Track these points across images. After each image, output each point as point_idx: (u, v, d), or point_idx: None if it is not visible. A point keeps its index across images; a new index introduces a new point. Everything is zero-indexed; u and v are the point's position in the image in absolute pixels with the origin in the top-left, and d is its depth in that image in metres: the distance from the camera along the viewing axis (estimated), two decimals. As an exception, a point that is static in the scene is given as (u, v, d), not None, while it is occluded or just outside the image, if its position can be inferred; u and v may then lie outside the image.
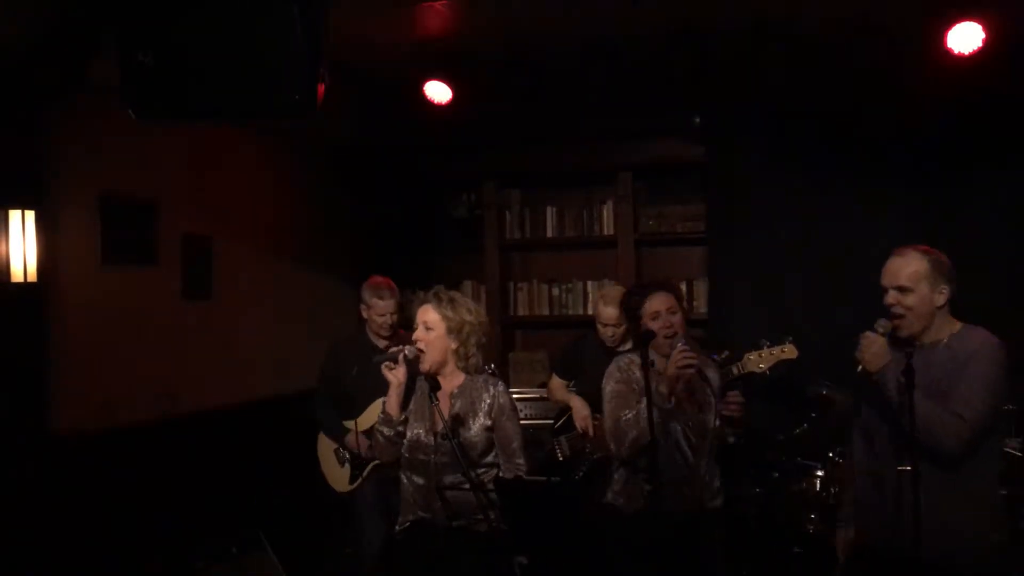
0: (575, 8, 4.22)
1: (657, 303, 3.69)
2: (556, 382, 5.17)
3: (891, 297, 3.13)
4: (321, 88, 2.94)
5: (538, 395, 5.80)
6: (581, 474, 4.76)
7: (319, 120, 3.13)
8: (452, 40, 4.68)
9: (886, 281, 3.16)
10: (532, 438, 5.77)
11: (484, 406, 3.50)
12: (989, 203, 5.37)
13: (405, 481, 3.55)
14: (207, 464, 5.02)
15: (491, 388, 3.55)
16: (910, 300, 3.10)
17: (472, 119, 5.88)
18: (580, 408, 4.84)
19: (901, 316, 3.11)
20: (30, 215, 4.06)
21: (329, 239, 6.63)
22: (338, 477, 4.98)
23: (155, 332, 4.91)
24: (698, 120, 5.87)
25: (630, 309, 3.79)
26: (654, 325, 3.64)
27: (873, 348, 3.09)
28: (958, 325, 3.16)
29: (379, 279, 4.94)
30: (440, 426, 3.38)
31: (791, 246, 5.72)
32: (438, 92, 4.97)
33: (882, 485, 3.14)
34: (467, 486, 3.20)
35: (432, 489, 3.40)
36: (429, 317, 3.50)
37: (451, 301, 3.54)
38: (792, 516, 4.79)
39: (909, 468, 2.96)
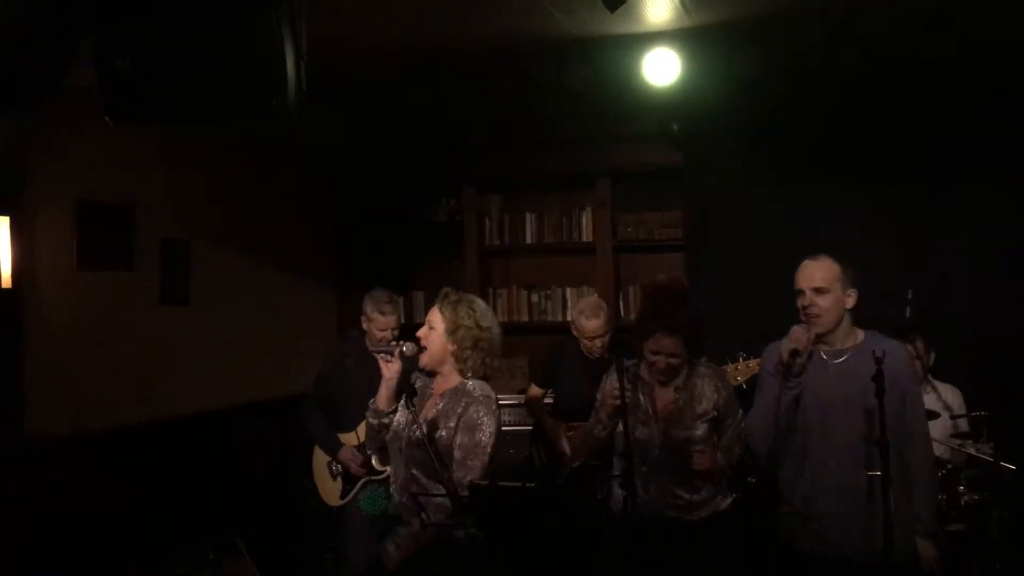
0: (554, 14, 4.24)
1: (660, 344, 3.58)
2: (534, 392, 5.17)
3: (806, 298, 3.34)
4: (299, 92, 2.94)
5: (517, 401, 5.80)
6: (561, 481, 4.76)
7: (298, 123, 3.13)
8: (433, 44, 4.69)
9: (804, 284, 3.36)
10: (511, 444, 5.82)
11: (456, 415, 3.43)
12: (963, 206, 5.42)
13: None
14: (183, 469, 4.99)
15: (469, 399, 3.46)
16: (826, 301, 3.32)
17: (452, 123, 5.91)
18: (553, 428, 4.87)
19: (817, 316, 3.32)
20: (4, 220, 4.04)
21: (309, 244, 6.62)
22: (329, 490, 4.88)
23: (132, 337, 4.89)
24: (676, 127, 5.90)
25: (637, 340, 3.70)
26: (652, 359, 3.60)
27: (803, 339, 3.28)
28: (861, 332, 3.40)
29: (382, 292, 4.79)
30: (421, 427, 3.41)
31: (769, 252, 5.74)
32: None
33: (847, 493, 3.22)
34: (442, 492, 3.20)
35: (402, 480, 3.44)
36: (433, 316, 3.54)
37: (454, 303, 3.53)
38: (767, 521, 4.80)
39: (879, 473, 3.04)
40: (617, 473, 3.65)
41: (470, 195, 6.70)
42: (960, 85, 5.13)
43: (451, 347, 3.51)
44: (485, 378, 3.58)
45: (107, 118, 2.95)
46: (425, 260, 6.90)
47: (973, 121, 5.33)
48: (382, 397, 3.47)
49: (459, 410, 3.42)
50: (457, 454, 3.36)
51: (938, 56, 4.30)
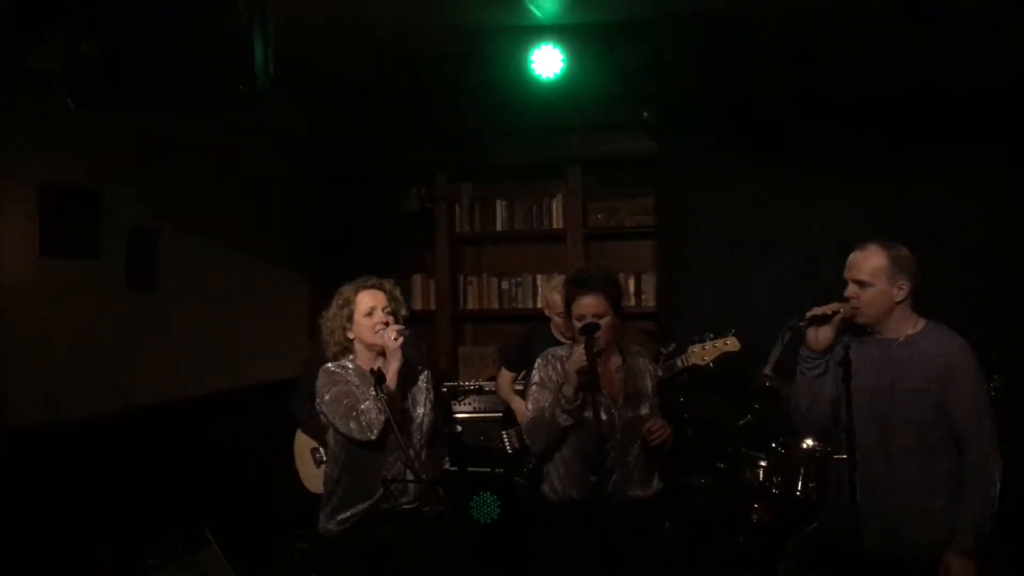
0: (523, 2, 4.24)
1: (583, 307, 3.60)
2: (505, 376, 5.19)
3: (849, 290, 3.24)
4: (266, 78, 2.92)
5: (487, 388, 5.82)
6: (530, 466, 4.78)
7: (269, 111, 3.11)
8: (404, 32, 4.67)
9: (848, 274, 3.27)
10: (481, 431, 5.84)
11: (427, 394, 3.78)
12: (941, 195, 5.42)
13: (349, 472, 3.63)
14: (152, 460, 4.95)
15: (426, 375, 3.83)
16: (868, 294, 3.21)
17: (424, 110, 5.89)
18: (522, 410, 4.87)
19: (856, 309, 3.22)
20: (-34, 205, 3.98)
21: (281, 232, 6.56)
22: (311, 477, 4.92)
23: (98, 325, 4.83)
24: (647, 114, 5.91)
25: (566, 302, 3.72)
26: (579, 327, 3.58)
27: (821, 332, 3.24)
28: (921, 322, 3.27)
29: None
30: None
31: (739, 240, 5.78)
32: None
33: (861, 478, 3.16)
34: (410, 478, 3.28)
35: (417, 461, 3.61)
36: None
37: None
38: (737, 506, 4.86)
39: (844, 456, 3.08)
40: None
41: (441, 183, 6.69)
42: (934, 74, 5.15)
43: None
44: None
45: (70, 102, 2.92)
46: (396, 249, 6.89)
47: (946, 110, 5.35)
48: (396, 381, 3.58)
49: (425, 393, 3.79)
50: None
51: (911, 48, 4.34)
